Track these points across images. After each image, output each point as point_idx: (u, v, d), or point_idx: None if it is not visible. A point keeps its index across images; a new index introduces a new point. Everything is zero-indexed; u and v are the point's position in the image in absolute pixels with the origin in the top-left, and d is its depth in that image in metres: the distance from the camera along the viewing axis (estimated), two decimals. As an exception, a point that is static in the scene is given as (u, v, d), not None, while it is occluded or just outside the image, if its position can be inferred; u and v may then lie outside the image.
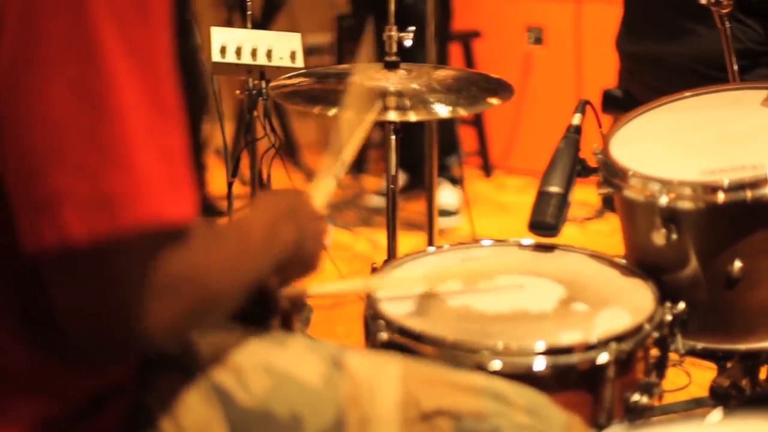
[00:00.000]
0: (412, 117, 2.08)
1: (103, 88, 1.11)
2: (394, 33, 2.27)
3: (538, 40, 5.22)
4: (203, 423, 1.34)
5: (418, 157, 4.26)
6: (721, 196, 1.78)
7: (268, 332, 1.64)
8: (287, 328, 1.66)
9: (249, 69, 2.74)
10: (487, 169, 5.31)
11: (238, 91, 2.86)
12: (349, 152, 1.76)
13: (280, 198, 1.49)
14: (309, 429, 1.38)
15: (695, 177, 1.83)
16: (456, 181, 4.75)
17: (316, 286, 1.72)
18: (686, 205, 1.81)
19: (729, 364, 2.04)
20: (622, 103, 3.29)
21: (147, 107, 1.14)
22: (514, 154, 5.28)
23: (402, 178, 4.72)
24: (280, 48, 2.73)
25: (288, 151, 5.27)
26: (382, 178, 5.09)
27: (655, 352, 1.81)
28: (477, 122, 5.29)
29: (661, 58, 3.08)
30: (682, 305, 1.84)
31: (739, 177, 1.79)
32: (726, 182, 1.78)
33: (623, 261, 1.96)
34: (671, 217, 1.82)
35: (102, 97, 1.11)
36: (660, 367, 1.81)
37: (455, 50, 5.16)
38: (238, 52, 2.71)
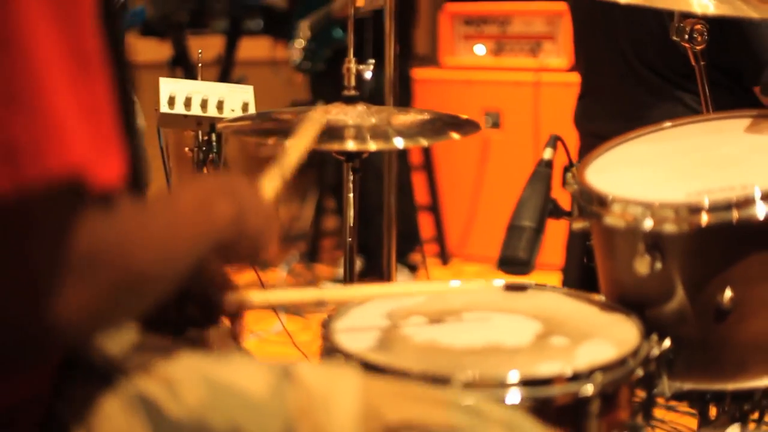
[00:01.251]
0: (372, 146, 1.93)
1: (14, 31, 0.97)
2: (353, 65, 2.12)
3: (496, 124, 5.13)
4: None
5: (376, 242, 4.13)
6: (704, 218, 1.64)
7: (207, 347, 1.48)
8: (233, 338, 1.49)
9: (199, 121, 2.59)
10: (444, 256, 5.17)
11: (187, 148, 2.70)
12: (296, 154, 1.60)
13: (213, 177, 1.32)
14: None
15: (679, 199, 1.68)
16: (413, 269, 4.62)
17: (264, 294, 1.55)
18: (670, 228, 1.66)
19: (714, 413, 1.87)
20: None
21: (66, 56, 1.00)
22: (471, 241, 5.15)
23: (359, 264, 4.57)
24: (232, 99, 2.59)
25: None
26: (336, 266, 4.93)
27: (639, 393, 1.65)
28: (434, 208, 5.17)
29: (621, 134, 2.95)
30: (667, 342, 1.68)
31: (724, 197, 1.65)
32: (708, 202, 1.64)
33: (602, 298, 1.80)
34: (655, 242, 1.67)
35: (13, 40, 0.97)
36: (647, 407, 1.65)
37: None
38: (188, 103, 2.57)
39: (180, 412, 1.20)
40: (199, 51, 2.82)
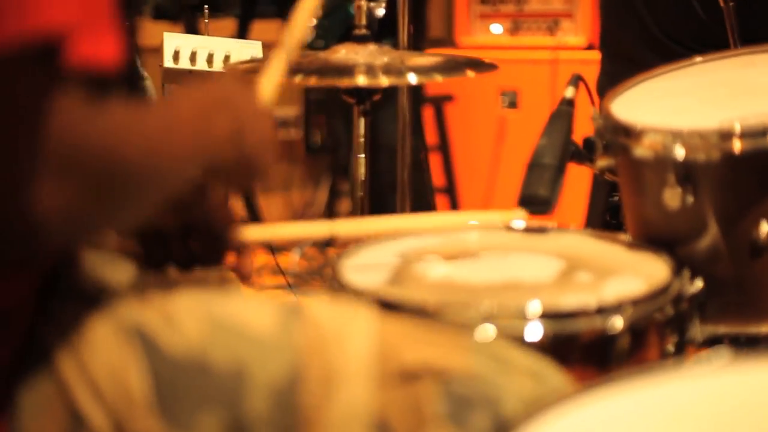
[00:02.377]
0: (384, 81, 1.82)
1: None
2: (363, 2, 2.00)
3: (513, 104, 5.01)
4: (115, 367, 1.05)
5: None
6: (737, 144, 1.53)
7: (211, 281, 1.38)
8: (240, 277, 1.38)
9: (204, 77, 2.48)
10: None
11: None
12: (296, 37, 1.47)
13: (214, 86, 1.22)
14: (257, 383, 1.10)
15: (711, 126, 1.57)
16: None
17: (272, 228, 1.44)
18: (701, 157, 1.54)
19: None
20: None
21: None
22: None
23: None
24: (240, 54, 2.48)
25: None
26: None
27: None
28: (450, 189, 5.05)
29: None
30: (699, 283, 1.56)
31: (758, 122, 1.53)
32: (740, 127, 1.53)
33: (629, 238, 1.69)
34: (686, 173, 1.55)
35: None
36: (679, 353, 1.53)
37: (428, 114, 4.94)
38: (193, 58, 2.46)
39: (178, 345, 1.09)
40: (206, 7, 2.72)
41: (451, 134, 5.13)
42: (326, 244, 1.44)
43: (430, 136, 5.00)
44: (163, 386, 1.06)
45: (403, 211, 3.80)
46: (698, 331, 1.59)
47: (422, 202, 4.43)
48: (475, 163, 5.06)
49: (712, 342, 1.62)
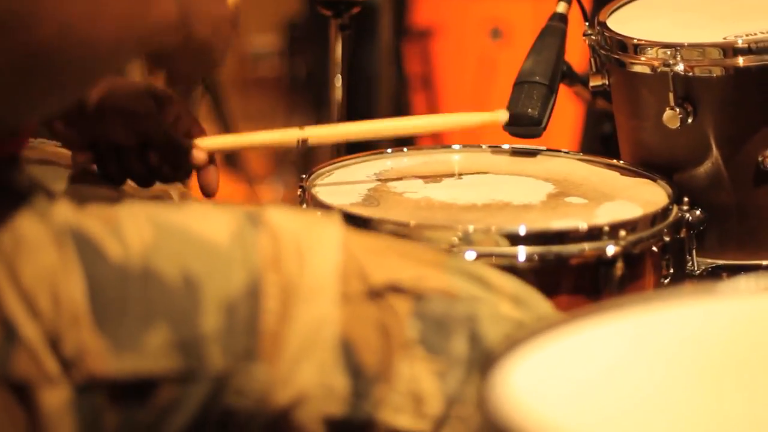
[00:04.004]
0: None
1: None
2: None
3: (499, 37, 4.88)
4: (49, 274, 0.93)
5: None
6: (740, 60, 1.42)
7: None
8: (204, 192, 1.27)
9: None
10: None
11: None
12: None
13: None
14: (208, 295, 0.98)
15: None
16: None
17: (238, 137, 1.33)
18: (702, 73, 1.43)
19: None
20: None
21: None
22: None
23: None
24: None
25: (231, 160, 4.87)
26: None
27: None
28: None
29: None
30: (699, 212, 1.45)
31: (763, 37, 1.42)
32: (744, 42, 1.43)
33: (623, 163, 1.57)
34: (686, 91, 1.44)
35: None
36: (676, 284, 1.42)
37: (412, 48, 4.80)
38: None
39: (120, 253, 0.97)
40: None
41: (436, 70, 4.98)
42: (300, 147, 1.31)
43: (414, 66, 4.84)
44: (103, 297, 0.94)
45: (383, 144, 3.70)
46: (695, 263, 1.49)
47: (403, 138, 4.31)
48: (463, 102, 4.92)
49: (710, 274, 1.51)
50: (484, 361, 0.98)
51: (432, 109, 4.91)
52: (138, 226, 0.99)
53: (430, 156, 1.58)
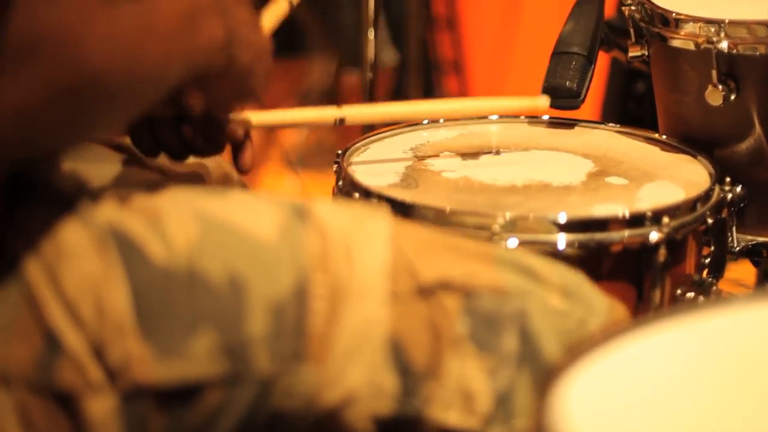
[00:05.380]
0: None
1: None
2: None
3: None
4: (92, 282, 0.92)
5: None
6: (787, 38, 1.39)
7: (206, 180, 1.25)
8: (238, 168, 1.25)
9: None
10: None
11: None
12: None
13: None
14: (254, 297, 0.96)
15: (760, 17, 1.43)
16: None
17: (274, 114, 1.31)
18: (748, 51, 1.40)
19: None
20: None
21: None
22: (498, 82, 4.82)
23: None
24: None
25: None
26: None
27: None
28: (458, 67, 4.87)
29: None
30: (739, 188, 1.43)
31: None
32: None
33: (663, 137, 1.55)
34: (730, 68, 1.41)
35: None
36: (717, 263, 1.41)
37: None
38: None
39: (164, 254, 0.95)
40: None
41: (460, 6, 4.89)
42: (337, 125, 1.30)
43: (438, 10, 4.79)
44: (147, 302, 0.93)
45: (412, 89, 3.66)
46: (735, 239, 1.47)
47: (430, 82, 4.27)
48: (488, 38, 4.85)
49: (750, 252, 1.50)
50: (541, 377, 0.98)
51: (456, 46, 4.85)
52: (182, 222, 0.97)
53: (467, 128, 1.56)
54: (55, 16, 0.82)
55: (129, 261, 0.93)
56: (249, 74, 1.11)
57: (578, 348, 0.82)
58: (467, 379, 0.99)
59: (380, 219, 1.05)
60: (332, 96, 4.74)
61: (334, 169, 1.41)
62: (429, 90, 4.08)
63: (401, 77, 3.66)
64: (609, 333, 0.85)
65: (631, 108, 2.33)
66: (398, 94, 3.80)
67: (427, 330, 1.00)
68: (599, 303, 1.08)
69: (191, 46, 1.00)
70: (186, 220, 0.97)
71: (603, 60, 2.75)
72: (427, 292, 1.01)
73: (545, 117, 1.58)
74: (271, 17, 1.33)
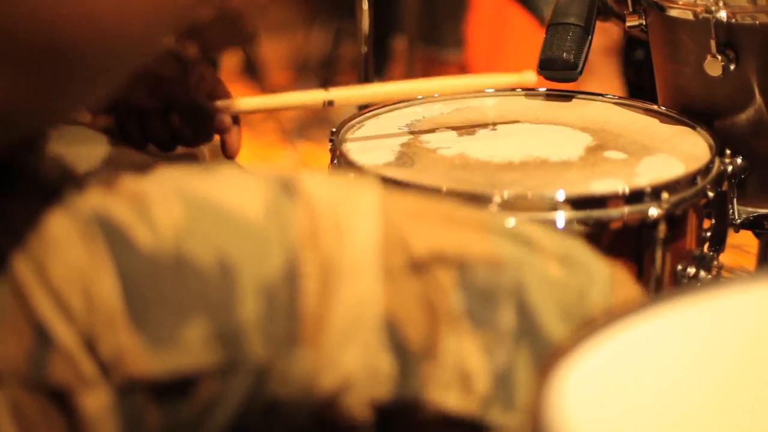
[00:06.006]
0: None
1: None
2: None
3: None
4: (80, 272, 0.89)
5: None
6: (788, 6, 1.37)
7: (191, 159, 1.23)
8: (227, 155, 1.23)
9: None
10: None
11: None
12: None
13: None
14: (245, 280, 0.93)
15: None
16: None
17: (262, 99, 1.29)
18: (747, 20, 1.38)
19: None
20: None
21: None
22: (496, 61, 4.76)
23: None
24: None
25: (251, 71, 4.79)
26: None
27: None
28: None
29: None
30: (739, 160, 1.41)
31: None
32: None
33: (662, 108, 1.52)
34: (729, 38, 1.39)
35: None
36: (718, 237, 1.39)
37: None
38: None
39: (152, 240, 0.92)
40: None
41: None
42: (325, 107, 1.28)
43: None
44: (137, 291, 0.90)
45: (408, 57, 3.62)
46: (736, 211, 1.45)
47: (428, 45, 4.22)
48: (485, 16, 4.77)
49: (752, 224, 1.48)
50: (541, 355, 0.95)
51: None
52: (168, 205, 0.94)
53: (463, 103, 1.54)
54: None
55: (116, 249, 0.91)
56: (242, 17, 1.09)
57: (580, 332, 0.80)
58: (464, 358, 0.96)
59: (369, 190, 1.01)
60: (331, 66, 4.72)
61: (330, 147, 1.39)
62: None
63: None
64: (611, 316, 0.83)
65: (630, 75, 2.30)
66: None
67: (421, 307, 0.97)
68: (600, 269, 1.05)
69: (176, 1, 0.97)
70: (171, 203, 0.94)
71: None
72: (420, 266, 0.97)
73: (542, 89, 1.56)
74: None
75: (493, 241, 0.99)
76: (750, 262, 1.97)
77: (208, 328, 0.91)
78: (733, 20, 1.38)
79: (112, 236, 0.90)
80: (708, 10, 1.39)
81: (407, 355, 0.96)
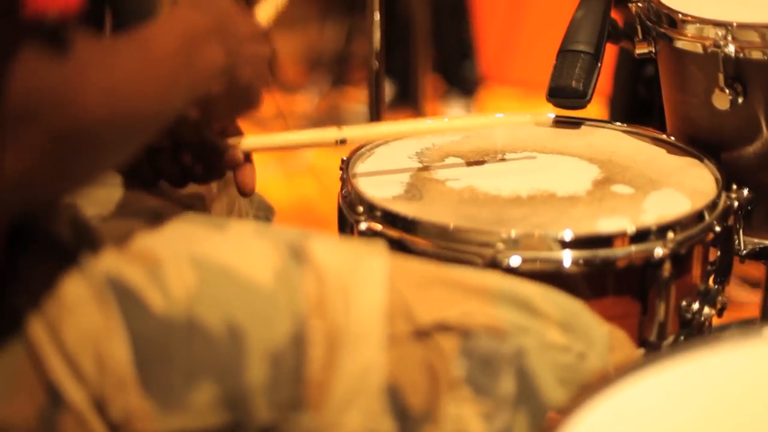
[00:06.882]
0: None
1: None
2: None
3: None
4: (93, 335, 0.92)
5: (407, 64, 3.82)
6: (797, 43, 1.37)
7: (206, 206, 1.24)
8: (240, 192, 1.24)
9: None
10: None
11: None
12: None
13: (202, 9, 1.06)
14: (253, 346, 0.96)
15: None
16: (469, 91, 4.25)
17: (274, 137, 1.30)
18: (756, 55, 1.38)
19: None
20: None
21: None
22: (509, 61, 4.76)
23: (389, 90, 4.25)
24: None
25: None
26: (365, 88, 4.62)
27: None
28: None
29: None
30: (746, 192, 1.42)
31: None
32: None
33: (670, 138, 1.53)
34: (738, 71, 1.40)
35: None
36: (723, 270, 1.40)
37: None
38: None
39: (163, 304, 0.95)
40: None
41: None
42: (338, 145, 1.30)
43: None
44: (148, 355, 0.93)
45: (423, 48, 3.63)
46: (742, 242, 1.46)
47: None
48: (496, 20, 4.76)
49: (757, 255, 1.49)
50: (539, 419, 0.97)
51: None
52: (180, 269, 0.97)
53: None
54: (54, 74, 0.81)
55: (129, 313, 0.93)
56: (249, 89, 1.11)
57: (577, 396, 0.82)
58: (464, 424, 0.99)
59: (377, 257, 1.05)
60: (343, 62, 4.72)
61: (340, 175, 1.40)
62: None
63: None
64: (608, 379, 0.85)
65: (640, 91, 2.31)
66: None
67: (423, 373, 1.00)
68: (599, 333, 1.08)
69: (192, 78, 0.99)
70: (183, 267, 0.97)
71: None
72: (423, 334, 1.01)
73: (551, 115, 1.57)
74: (269, 10, 1.30)
75: (496, 308, 1.02)
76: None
77: (215, 391, 0.94)
78: (741, 55, 1.39)
79: (125, 300, 0.93)
80: (716, 44, 1.39)
81: (408, 419, 0.99)
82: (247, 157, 1.29)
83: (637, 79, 2.31)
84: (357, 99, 4.49)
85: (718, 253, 1.40)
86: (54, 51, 0.81)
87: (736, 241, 1.44)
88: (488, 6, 4.57)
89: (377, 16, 2.10)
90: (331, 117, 4.36)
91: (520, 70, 4.64)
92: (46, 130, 0.81)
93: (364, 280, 1.01)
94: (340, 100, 4.55)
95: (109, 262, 0.95)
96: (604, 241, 1.24)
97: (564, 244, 1.22)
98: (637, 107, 2.40)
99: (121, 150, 0.92)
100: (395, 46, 3.62)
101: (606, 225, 1.26)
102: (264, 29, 1.16)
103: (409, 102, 3.93)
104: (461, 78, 4.20)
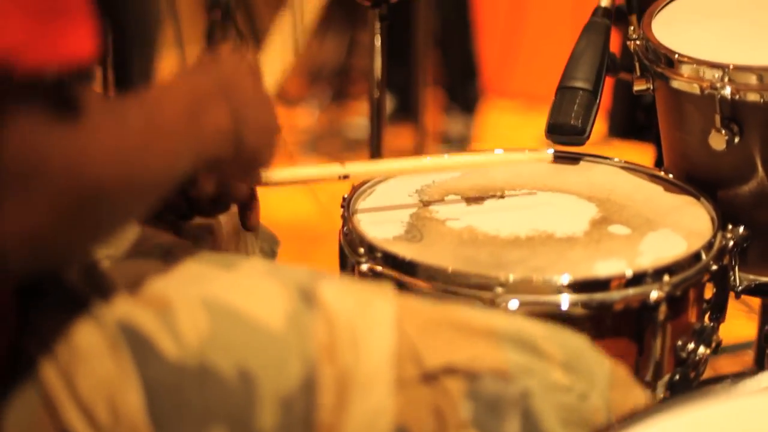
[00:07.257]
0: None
1: None
2: None
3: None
4: (106, 383, 0.94)
5: (408, 77, 3.84)
6: (794, 86, 1.39)
7: (214, 240, 1.25)
8: (245, 226, 1.25)
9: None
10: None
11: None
12: (312, 8, 1.34)
13: (209, 71, 1.08)
14: (264, 391, 0.98)
15: (764, 62, 1.42)
16: (470, 108, 4.27)
17: (278, 172, 1.31)
18: (753, 97, 1.40)
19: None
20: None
21: None
22: (509, 75, 4.79)
23: (389, 104, 4.27)
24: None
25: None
26: (366, 102, 4.63)
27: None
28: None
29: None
30: (741, 229, 1.43)
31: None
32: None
33: (668, 175, 1.55)
34: (734, 112, 1.42)
35: None
36: (718, 308, 1.42)
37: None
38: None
39: (176, 350, 0.97)
40: None
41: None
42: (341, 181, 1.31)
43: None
44: (160, 401, 0.95)
45: (423, 64, 3.64)
46: (737, 279, 1.48)
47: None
48: (497, 2, 4.75)
49: (753, 291, 1.51)
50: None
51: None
52: (192, 314, 0.99)
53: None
54: (62, 134, 0.82)
55: (141, 360, 0.95)
56: (257, 152, 1.13)
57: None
58: None
59: (385, 300, 1.06)
60: (344, 75, 4.74)
61: (341, 213, 1.42)
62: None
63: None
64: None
65: (639, 117, 2.33)
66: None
67: (431, 415, 1.02)
68: (600, 371, 1.10)
69: (198, 141, 1.01)
70: (195, 311, 0.99)
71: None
72: (431, 377, 1.03)
73: (550, 151, 1.59)
74: (277, 67, 1.33)
75: (502, 351, 1.04)
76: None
77: None
78: (737, 97, 1.40)
79: (137, 346, 0.95)
80: (713, 86, 1.41)
81: None
82: (252, 193, 1.31)
83: (636, 105, 2.33)
84: (358, 112, 4.51)
85: (714, 290, 1.42)
86: (60, 109, 0.82)
87: (732, 278, 1.46)
88: (489, 19, 4.58)
89: (378, 41, 2.11)
90: (332, 130, 4.38)
91: (521, 83, 4.66)
92: (54, 191, 0.82)
93: (373, 323, 1.03)
94: (341, 114, 4.57)
95: (121, 307, 0.97)
96: (602, 284, 1.26)
97: (562, 288, 1.24)
98: (634, 126, 2.42)
99: (130, 211, 0.94)
100: (396, 60, 3.63)
101: (603, 268, 1.28)
102: (270, 96, 1.18)
103: (409, 116, 3.94)
104: (464, 96, 4.22)
